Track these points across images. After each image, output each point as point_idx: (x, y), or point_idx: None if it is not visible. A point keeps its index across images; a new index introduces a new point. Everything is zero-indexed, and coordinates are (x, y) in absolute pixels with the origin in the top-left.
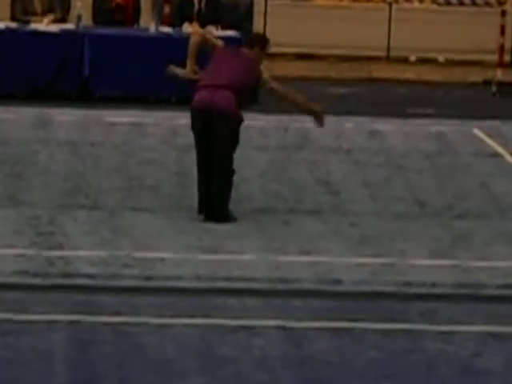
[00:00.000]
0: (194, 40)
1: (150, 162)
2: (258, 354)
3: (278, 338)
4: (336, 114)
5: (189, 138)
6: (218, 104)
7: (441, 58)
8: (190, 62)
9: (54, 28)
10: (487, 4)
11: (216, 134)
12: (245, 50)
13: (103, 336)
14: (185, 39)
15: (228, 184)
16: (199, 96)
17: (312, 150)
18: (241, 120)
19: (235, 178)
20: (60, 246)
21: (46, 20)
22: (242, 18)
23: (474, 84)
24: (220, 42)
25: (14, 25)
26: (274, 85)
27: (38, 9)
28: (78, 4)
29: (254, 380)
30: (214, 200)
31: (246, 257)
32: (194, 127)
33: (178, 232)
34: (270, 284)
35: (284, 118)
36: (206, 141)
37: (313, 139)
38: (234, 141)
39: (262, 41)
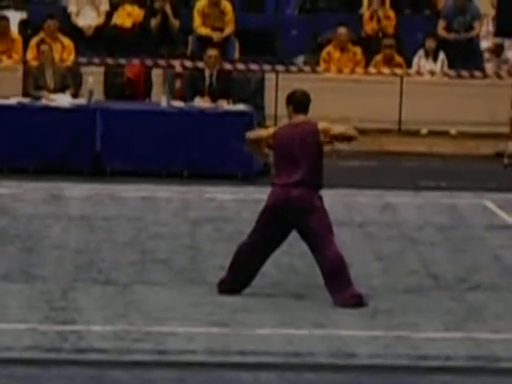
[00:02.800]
0: (266, 132)
1: (162, 235)
2: None
3: None
4: (348, 187)
5: (200, 212)
6: (299, 203)
7: (452, 131)
8: (262, 149)
9: (66, 103)
10: (498, 76)
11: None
12: (301, 123)
13: None
14: (196, 113)
15: None
16: (276, 195)
17: None
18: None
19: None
20: (73, 321)
21: (59, 96)
22: (252, 92)
23: (486, 156)
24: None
25: (26, 100)
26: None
27: (51, 85)
28: (90, 79)
29: None
30: None
31: (259, 331)
32: (265, 219)
33: (190, 306)
34: (284, 358)
35: None
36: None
37: None
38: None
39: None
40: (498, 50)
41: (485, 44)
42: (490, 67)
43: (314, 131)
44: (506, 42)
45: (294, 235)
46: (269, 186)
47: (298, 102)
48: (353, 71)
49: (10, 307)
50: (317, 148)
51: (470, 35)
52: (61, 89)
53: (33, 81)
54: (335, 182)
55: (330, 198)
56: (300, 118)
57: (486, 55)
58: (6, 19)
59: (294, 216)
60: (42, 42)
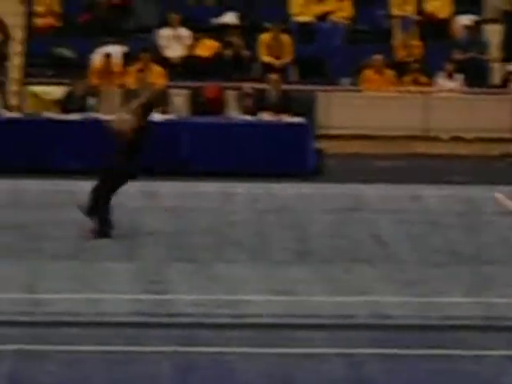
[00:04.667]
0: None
1: (236, 223)
2: (325, 376)
3: (340, 363)
4: (384, 182)
5: (266, 204)
6: None
7: (469, 136)
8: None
9: (159, 118)
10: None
11: None
12: None
13: (202, 363)
14: (262, 125)
15: None
16: None
17: (366, 211)
18: None
19: (303, 235)
20: (165, 292)
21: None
22: (307, 108)
23: (493, 157)
24: None
25: None
26: None
27: None
28: (177, 99)
29: None
30: None
31: (315, 298)
32: None
33: (259, 279)
34: (333, 319)
35: (343, 186)
36: None
37: (366, 203)
38: None
39: None
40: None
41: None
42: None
43: None
44: None
45: (341, 221)
46: (321, 182)
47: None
48: (387, 90)
49: (117, 281)
50: None
51: (482, 58)
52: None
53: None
54: (373, 178)
55: (370, 191)
56: None
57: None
58: (109, 55)
59: None
60: (138, 69)
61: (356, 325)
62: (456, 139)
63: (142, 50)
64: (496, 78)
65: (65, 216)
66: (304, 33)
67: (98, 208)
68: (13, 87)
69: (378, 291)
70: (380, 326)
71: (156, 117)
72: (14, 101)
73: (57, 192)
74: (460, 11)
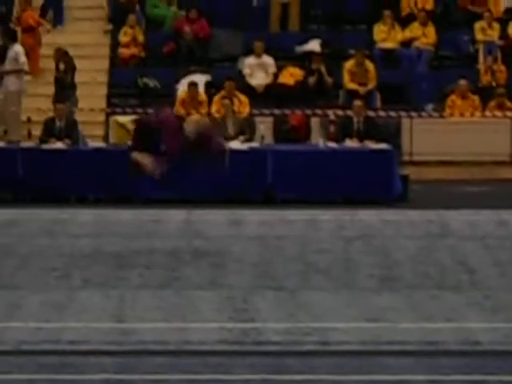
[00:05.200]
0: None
1: (322, 250)
2: None
3: None
4: (470, 208)
5: (352, 231)
6: None
7: None
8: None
9: (244, 147)
10: None
11: None
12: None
13: None
14: (347, 152)
15: None
16: None
17: (452, 237)
18: None
19: (389, 261)
20: (252, 320)
21: (238, 140)
22: (392, 134)
23: None
24: None
25: None
26: None
27: (231, 131)
28: (262, 126)
29: None
30: None
31: (402, 325)
32: None
33: (346, 306)
34: (421, 346)
35: (428, 212)
36: None
37: (452, 228)
38: None
39: None
40: None
41: None
42: None
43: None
44: None
45: (427, 247)
46: (407, 208)
47: None
48: (472, 115)
49: (203, 310)
50: None
51: None
52: (238, 134)
53: (218, 127)
54: (459, 204)
55: (456, 217)
56: None
57: None
58: (195, 85)
59: None
60: (223, 98)
61: (445, 351)
62: None
63: (227, 78)
64: None
65: (153, 245)
66: (388, 59)
67: None
68: (98, 117)
69: (466, 317)
70: (470, 353)
71: (241, 146)
72: (98, 131)
73: (144, 222)
74: None
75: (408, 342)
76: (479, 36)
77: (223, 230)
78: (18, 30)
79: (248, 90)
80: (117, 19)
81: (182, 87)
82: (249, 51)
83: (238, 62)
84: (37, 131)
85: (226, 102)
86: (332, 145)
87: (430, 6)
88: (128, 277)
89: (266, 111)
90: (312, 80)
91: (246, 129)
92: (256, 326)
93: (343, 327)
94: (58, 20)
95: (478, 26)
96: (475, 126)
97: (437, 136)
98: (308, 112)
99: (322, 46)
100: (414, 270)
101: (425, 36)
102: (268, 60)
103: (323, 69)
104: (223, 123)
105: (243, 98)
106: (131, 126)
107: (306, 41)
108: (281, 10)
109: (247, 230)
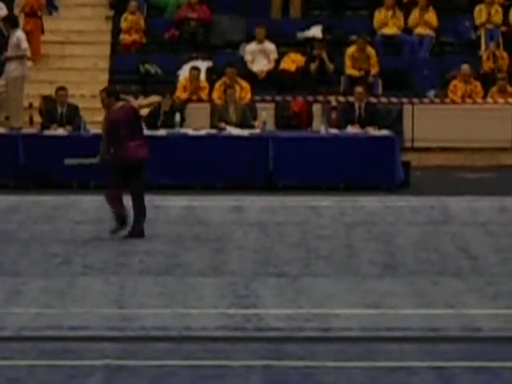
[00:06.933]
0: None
1: (323, 236)
2: None
3: (431, 376)
4: (471, 194)
5: (353, 217)
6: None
7: None
8: None
9: (245, 133)
10: None
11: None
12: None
13: (290, 377)
14: (349, 138)
15: None
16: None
17: (453, 223)
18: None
19: (391, 248)
20: (254, 306)
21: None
22: (393, 121)
23: None
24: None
25: (212, 131)
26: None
27: (233, 118)
28: (264, 113)
29: None
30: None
31: (403, 311)
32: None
33: (347, 292)
34: (422, 332)
35: (430, 199)
36: None
37: (454, 215)
38: None
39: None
40: None
41: None
42: None
43: (134, 108)
44: None
45: (429, 234)
46: (408, 195)
47: (115, 93)
48: (474, 101)
49: (205, 296)
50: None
51: None
52: (241, 121)
53: (218, 115)
54: (461, 190)
55: (457, 203)
56: (119, 103)
57: None
58: (197, 69)
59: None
60: (225, 84)
61: (446, 337)
62: None
63: (228, 64)
64: None
65: (155, 231)
66: (389, 45)
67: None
68: (99, 104)
69: (467, 304)
70: (471, 339)
71: (242, 132)
72: (100, 117)
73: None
74: None
75: (409, 328)
76: (480, 22)
77: (224, 216)
78: (21, 16)
79: (250, 76)
80: (118, 5)
81: (183, 73)
82: (250, 37)
83: (240, 49)
84: (38, 117)
85: (230, 91)
86: (334, 131)
87: None
88: (129, 263)
89: (268, 97)
90: (314, 66)
91: (248, 114)
92: (257, 312)
93: (344, 313)
94: (52, 6)
95: (478, 11)
96: (477, 112)
97: (438, 122)
98: (310, 98)
99: (324, 32)
100: (415, 257)
101: (426, 22)
102: (270, 46)
103: (325, 55)
104: (224, 109)
105: (245, 84)
106: None
107: (307, 27)
108: None
109: (249, 216)
